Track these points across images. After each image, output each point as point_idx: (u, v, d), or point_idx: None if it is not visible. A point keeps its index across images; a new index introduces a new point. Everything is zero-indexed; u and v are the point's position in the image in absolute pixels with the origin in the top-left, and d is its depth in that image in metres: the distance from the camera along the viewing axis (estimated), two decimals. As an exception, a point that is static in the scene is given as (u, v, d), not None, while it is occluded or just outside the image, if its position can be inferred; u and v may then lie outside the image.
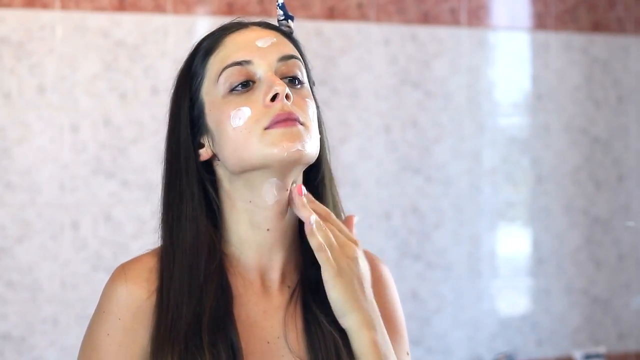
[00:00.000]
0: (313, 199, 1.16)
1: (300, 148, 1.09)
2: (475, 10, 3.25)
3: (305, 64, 1.19)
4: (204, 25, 2.93)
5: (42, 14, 2.76)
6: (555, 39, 3.36)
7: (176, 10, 2.88)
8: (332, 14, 3.06)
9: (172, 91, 1.20)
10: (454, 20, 3.22)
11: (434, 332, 3.17)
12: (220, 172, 1.17)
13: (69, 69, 2.78)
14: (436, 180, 3.19)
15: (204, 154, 1.17)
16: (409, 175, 3.15)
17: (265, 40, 1.15)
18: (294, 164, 1.11)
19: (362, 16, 3.10)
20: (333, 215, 1.16)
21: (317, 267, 1.13)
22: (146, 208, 2.81)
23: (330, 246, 1.11)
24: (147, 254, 1.19)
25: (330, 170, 1.25)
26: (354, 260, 1.13)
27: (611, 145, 3.43)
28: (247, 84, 1.13)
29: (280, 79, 1.13)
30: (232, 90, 1.13)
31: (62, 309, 2.75)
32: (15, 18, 2.74)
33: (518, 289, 3.34)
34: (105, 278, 1.18)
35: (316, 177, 1.21)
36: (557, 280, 3.35)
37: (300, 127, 1.11)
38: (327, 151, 1.25)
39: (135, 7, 2.85)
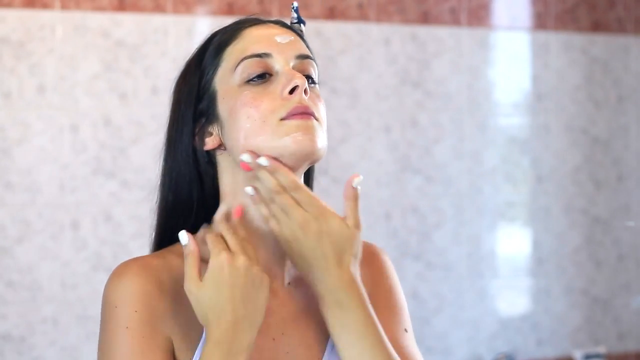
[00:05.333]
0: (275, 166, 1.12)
1: (313, 141, 1.10)
2: (475, 10, 3.25)
3: (317, 67, 1.20)
4: (204, 25, 2.93)
5: (42, 14, 2.76)
6: (555, 39, 3.36)
7: (176, 10, 2.88)
8: (332, 14, 3.06)
9: (178, 80, 1.20)
10: (454, 20, 3.22)
11: (434, 332, 3.17)
12: (223, 163, 1.17)
13: (69, 69, 2.78)
14: (436, 180, 3.19)
15: (210, 142, 1.17)
16: (409, 175, 3.15)
17: (284, 37, 1.16)
18: (305, 157, 1.11)
19: (362, 16, 3.10)
20: (296, 186, 1.10)
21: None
22: (146, 208, 2.80)
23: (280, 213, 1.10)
24: (149, 255, 1.19)
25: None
26: (311, 230, 1.09)
27: (611, 145, 3.43)
28: (264, 76, 1.14)
29: None
30: (249, 81, 1.13)
31: (62, 309, 2.75)
32: (15, 18, 2.74)
33: (518, 289, 3.34)
34: (105, 278, 1.17)
35: (307, 178, 1.23)
36: (557, 280, 3.35)
37: (314, 121, 1.12)
38: None
39: (135, 7, 2.85)
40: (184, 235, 1.08)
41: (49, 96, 2.77)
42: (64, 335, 2.74)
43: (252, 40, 1.16)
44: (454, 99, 3.21)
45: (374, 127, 3.11)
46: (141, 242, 2.88)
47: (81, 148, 2.79)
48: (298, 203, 1.09)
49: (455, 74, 3.22)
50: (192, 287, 1.06)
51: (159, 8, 2.87)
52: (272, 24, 1.19)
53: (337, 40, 3.07)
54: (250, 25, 1.18)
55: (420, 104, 3.17)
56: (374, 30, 3.12)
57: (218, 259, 1.06)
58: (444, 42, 3.20)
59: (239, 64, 1.14)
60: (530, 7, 3.34)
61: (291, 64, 1.14)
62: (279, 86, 1.12)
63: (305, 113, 1.11)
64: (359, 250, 1.12)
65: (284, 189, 1.09)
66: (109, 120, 2.82)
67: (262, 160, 1.08)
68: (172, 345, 1.10)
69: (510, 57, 3.32)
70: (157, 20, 2.87)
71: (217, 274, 1.05)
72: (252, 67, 1.14)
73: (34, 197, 2.75)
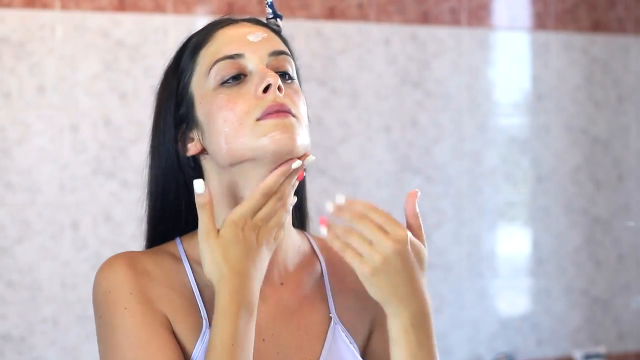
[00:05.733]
0: (350, 201, 1.05)
1: (292, 139, 1.08)
2: (475, 10, 3.25)
3: (294, 62, 1.18)
4: (203, 25, 2.93)
5: (42, 14, 2.76)
6: (555, 39, 3.36)
7: (176, 10, 2.89)
8: (332, 14, 3.06)
9: (159, 87, 1.21)
10: (454, 20, 3.22)
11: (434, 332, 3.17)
12: (208, 167, 1.16)
13: (69, 69, 2.78)
14: (436, 180, 3.19)
15: (193, 148, 1.16)
16: (409, 175, 3.15)
17: (256, 35, 1.15)
18: (286, 156, 1.09)
19: (362, 16, 3.10)
20: (373, 209, 1.05)
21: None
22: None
23: (362, 245, 1.03)
24: (136, 251, 1.19)
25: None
26: (395, 254, 1.02)
27: (611, 145, 3.43)
28: (238, 77, 1.12)
29: None
30: (223, 83, 1.12)
31: (62, 309, 2.75)
32: (15, 18, 2.74)
33: (518, 289, 3.34)
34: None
35: None
36: (557, 280, 3.35)
37: (292, 118, 1.09)
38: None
39: (135, 7, 2.85)
40: (199, 184, 1.07)
41: (49, 96, 2.77)
42: (64, 335, 2.74)
43: (224, 41, 1.15)
44: (454, 99, 3.21)
45: (374, 127, 3.11)
46: (141, 242, 2.88)
47: (81, 148, 2.79)
48: (381, 228, 1.03)
49: (455, 74, 3.22)
50: (211, 239, 1.06)
51: (159, 8, 2.87)
52: (245, 22, 1.18)
53: (337, 40, 3.07)
54: (224, 26, 1.17)
55: (420, 104, 3.17)
56: (374, 30, 3.12)
57: (236, 216, 1.06)
58: (444, 42, 3.20)
59: (212, 67, 1.13)
60: (530, 7, 3.34)
61: (265, 62, 1.13)
62: (253, 86, 1.10)
63: (280, 111, 1.08)
64: None
65: (363, 216, 1.04)
66: (109, 120, 2.82)
67: (340, 199, 1.04)
68: (171, 325, 1.09)
69: (510, 57, 3.32)
70: (157, 20, 2.87)
71: (236, 229, 1.06)
72: (225, 70, 1.12)
73: (34, 197, 2.75)
